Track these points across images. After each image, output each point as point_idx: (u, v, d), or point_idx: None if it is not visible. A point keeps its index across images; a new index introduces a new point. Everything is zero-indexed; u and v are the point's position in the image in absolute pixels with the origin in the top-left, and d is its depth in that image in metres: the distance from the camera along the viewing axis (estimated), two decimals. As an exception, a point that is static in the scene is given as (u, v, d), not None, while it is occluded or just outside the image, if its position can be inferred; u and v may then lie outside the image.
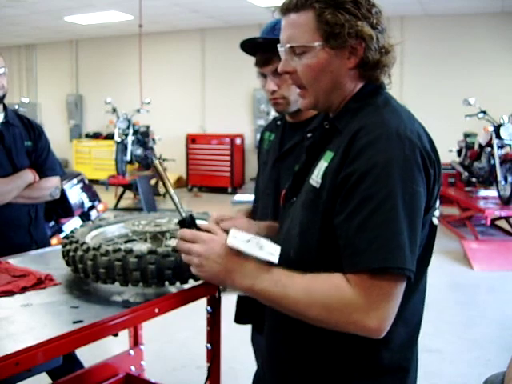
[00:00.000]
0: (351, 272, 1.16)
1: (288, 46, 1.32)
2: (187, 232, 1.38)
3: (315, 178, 1.31)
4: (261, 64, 2.01)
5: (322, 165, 1.30)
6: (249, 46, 2.01)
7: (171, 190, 1.46)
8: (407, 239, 1.14)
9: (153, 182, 10.08)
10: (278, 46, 1.37)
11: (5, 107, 2.75)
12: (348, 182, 1.19)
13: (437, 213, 1.33)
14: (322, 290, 1.18)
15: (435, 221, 1.33)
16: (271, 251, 1.26)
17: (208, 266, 1.31)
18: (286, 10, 1.32)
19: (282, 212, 1.52)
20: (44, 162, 2.81)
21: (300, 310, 1.20)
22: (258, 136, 2.50)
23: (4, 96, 2.69)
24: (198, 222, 1.45)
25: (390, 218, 1.14)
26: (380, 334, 1.17)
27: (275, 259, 1.25)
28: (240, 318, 2.22)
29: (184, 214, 1.43)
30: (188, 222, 1.42)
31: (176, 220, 2.28)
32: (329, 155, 1.30)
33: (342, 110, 1.35)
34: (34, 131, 2.82)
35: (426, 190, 1.22)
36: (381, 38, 1.30)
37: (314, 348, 1.34)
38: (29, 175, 2.72)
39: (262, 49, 1.98)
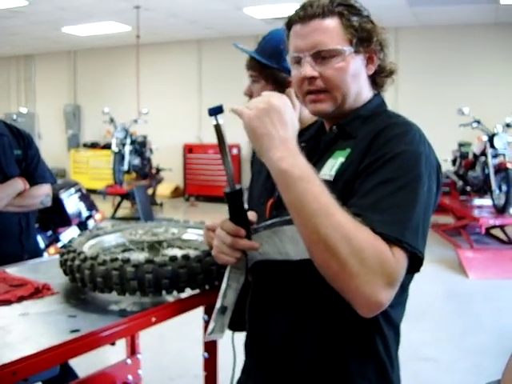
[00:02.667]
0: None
1: (315, 50, 1.31)
2: (227, 224, 1.28)
3: (327, 172, 1.28)
4: (246, 67, 2.03)
5: (337, 161, 1.29)
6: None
7: (228, 158, 1.32)
8: (421, 224, 1.16)
9: (150, 191, 10.08)
10: (298, 54, 1.34)
11: None
12: (373, 165, 1.20)
13: None
14: (360, 233, 1.08)
15: None
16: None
17: (265, 122, 1.18)
18: (310, 16, 1.32)
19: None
20: (34, 170, 2.81)
21: (337, 236, 1.06)
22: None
23: None
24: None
25: (409, 201, 1.15)
26: (379, 310, 1.11)
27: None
28: (235, 325, 2.22)
29: (235, 186, 1.29)
30: (235, 196, 1.28)
31: (173, 230, 2.29)
32: (341, 153, 1.30)
33: (352, 116, 1.37)
34: (24, 140, 2.81)
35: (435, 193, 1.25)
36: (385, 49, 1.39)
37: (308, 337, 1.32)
38: (19, 184, 2.72)
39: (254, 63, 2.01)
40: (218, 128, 1.28)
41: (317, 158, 1.35)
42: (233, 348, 1.45)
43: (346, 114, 1.37)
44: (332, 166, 1.29)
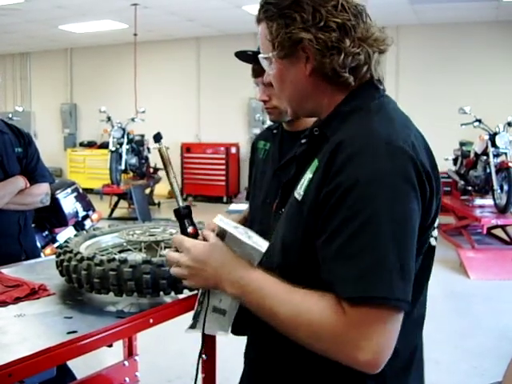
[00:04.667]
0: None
1: (260, 57, 1.31)
2: (177, 238, 1.30)
3: (299, 190, 1.22)
4: (253, 75, 2.08)
5: (307, 176, 1.21)
6: (243, 57, 2.03)
7: (172, 178, 1.39)
8: (395, 264, 1.02)
9: (147, 191, 10.06)
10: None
11: None
12: (330, 199, 1.08)
13: (435, 233, 1.22)
14: (311, 313, 1.07)
15: (433, 242, 1.22)
16: (259, 243, 1.20)
17: (196, 274, 1.23)
18: (256, 22, 1.31)
19: (272, 224, 1.42)
20: (34, 168, 2.82)
21: (289, 331, 1.12)
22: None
23: None
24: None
25: (371, 242, 1.03)
26: (375, 369, 1.05)
27: (262, 250, 1.18)
28: (237, 329, 2.19)
29: (181, 204, 1.35)
30: (183, 214, 1.33)
31: (171, 230, 2.27)
32: (314, 165, 1.19)
33: (331, 114, 1.25)
34: (24, 138, 2.83)
35: (420, 206, 1.09)
36: (331, 37, 1.17)
37: (298, 367, 1.25)
38: (20, 181, 2.72)
39: (254, 60, 2.01)
40: (161, 151, 1.40)
41: (303, 161, 1.31)
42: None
43: (326, 111, 1.27)
44: (303, 181, 1.21)
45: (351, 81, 1.20)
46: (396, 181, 1.06)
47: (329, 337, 1.05)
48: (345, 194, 1.06)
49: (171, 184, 1.38)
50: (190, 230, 1.33)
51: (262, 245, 1.19)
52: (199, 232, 1.32)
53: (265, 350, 1.35)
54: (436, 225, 1.21)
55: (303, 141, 1.37)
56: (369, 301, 1.01)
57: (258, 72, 2.02)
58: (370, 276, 1.02)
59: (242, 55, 2.02)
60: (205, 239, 1.27)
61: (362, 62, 1.19)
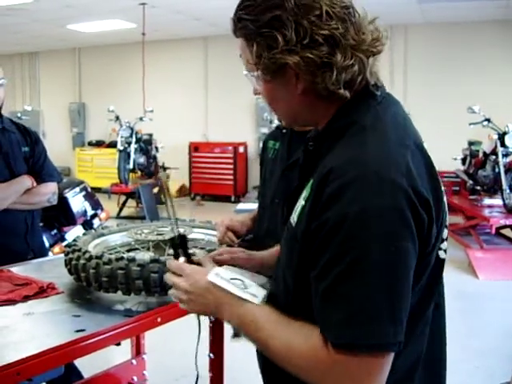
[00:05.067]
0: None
1: (244, 72, 1.22)
2: (172, 264, 1.29)
3: (293, 215, 1.16)
4: None
5: (301, 202, 1.14)
6: None
7: (172, 208, 1.43)
8: (385, 307, 0.96)
9: (155, 190, 10.06)
10: None
11: (0, 115, 2.75)
12: (320, 232, 1.02)
13: (444, 245, 1.16)
14: (300, 349, 1.05)
15: (442, 254, 1.15)
16: (255, 293, 1.18)
17: (195, 300, 1.23)
18: (232, 33, 1.20)
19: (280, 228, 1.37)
20: (41, 167, 2.81)
21: (279, 362, 1.11)
22: (261, 144, 2.51)
23: (1, 106, 2.70)
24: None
25: (361, 285, 0.96)
26: None
27: (257, 301, 1.16)
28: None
29: (176, 233, 1.35)
30: (178, 242, 1.34)
31: (179, 230, 2.27)
32: (308, 189, 1.12)
33: (324, 130, 1.17)
34: (31, 137, 2.82)
35: (416, 240, 1.01)
36: (320, 53, 1.07)
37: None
38: (26, 181, 2.72)
39: None
40: (163, 184, 1.32)
41: (300, 176, 1.25)
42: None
43: (321, 123, 1.20)
44: (297, 206, 1.15)
45: (347, 95, 1.11)
46: (387, 218, 0.98)
47: (318, 373, 1.03)
48: (333, 231, 0.99)
49: (169, 213, 1.41)
50: (182, 259, 1.33)
51: (258, 295, 1.18)
52: (194, 259, 1.34)
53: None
54: (445, 236, 1.16)
55: (310, 143, 1.29)
56: (355, 348, 0.97)
57: None
58: (358, 322, 0.97)
59: None
60: (199, 264, 1.28)
61: (356, 74, 1.10)
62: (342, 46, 1.08)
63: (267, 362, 1.22)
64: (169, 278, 1.28)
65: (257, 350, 1.33)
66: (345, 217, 0.98)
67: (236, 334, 1.36)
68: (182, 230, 1.43)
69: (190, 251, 1.35)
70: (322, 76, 1.08)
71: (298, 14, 1.06)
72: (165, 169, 10.42)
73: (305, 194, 1.13)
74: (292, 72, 1.11)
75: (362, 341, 0.96)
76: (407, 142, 1.10)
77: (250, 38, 1.13)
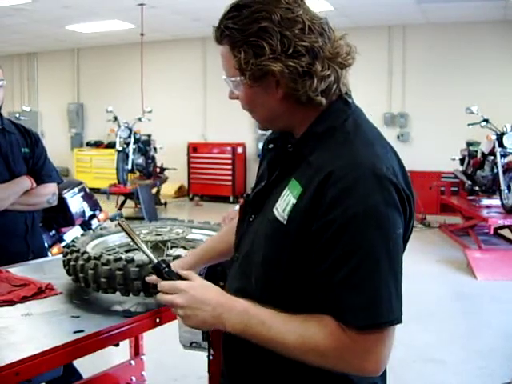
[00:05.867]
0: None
1: (223, 77, 1.30)
2: (164, 284, 1.29)
3: (281, 212, 1.22)
4: None
5: (289, 199, 1.21)
6: None
7: (141, 245, 1.41)
8: (393, 288, 1.12)
9: (154, 190, 10.07)
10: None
11: (0, 116, 2.75)
12: (326, 232, 1.13)
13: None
14: (316, 339, 1.14)
15: None
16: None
17: (193, 314, 1.23)
18: (216, 40, 1.30)
19: (238, 225, 1.44)
20: (41, 168, 2.80)
21: (297, 356, 1.17)
22: (260, 145, 2.51)
23: (0, 107, 2.70)
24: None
25: (374, 272, 1.11)
26: (378, 373, 1.17)
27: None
28: None
29: (155, 261, 1.35)
30: (160, 269, 1.32)
31: (178, 230, 2.27)
32: (295, 188, 1.21)
33: (305, 134, 1.26)
34: (31, 138, 2.81)
35: (404, 227, 1.18)
36: (302, 63, 1.16)
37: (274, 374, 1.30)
38: (26, 182, 2.71)
39: None
40: (122, 226, 1.42)
41: (277, 174, 1.31)
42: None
43: (298, 128, 1.28)
44: (286, 203, 1.22)
45: (323, 102, 1.22)
46: (387, 211, 1.12)
47: (336, 357, 1.15)
48: (343, 228, 1.11)
49: (142, 251, 1.39)
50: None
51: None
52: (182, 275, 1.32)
53: (240, 361, 1.38)
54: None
55: (270, 146, 1.38)
56: (375, 327, 1.11)
57: None
58: (375, 305, 1.10)
59: None
60: (186, 279, 1.29)
61: (332, 83, 1.21)
62: (320, 58, 1.18)
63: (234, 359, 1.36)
64: (162, 298, 1.29)
65: (228, 349, 1.41)
66: (353, 217, 1.10)
67: (204, 338, 1.39)
68: (176, 253, 1.43)
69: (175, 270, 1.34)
70: (302, 83, 1.18)
71: (283, 27, 1.16)
72: (162, 170, 10.42)
73: (292, 192, 1.21)
74: (273, 79, 1.20)
75: (384, 319, 1.11)
76: (385, 144, 1.24)
77: (236, 46, 1.21)
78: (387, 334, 1.13)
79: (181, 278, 1.30)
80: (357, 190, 1.11)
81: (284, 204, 1.22)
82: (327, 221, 1.12)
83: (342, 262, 1.11)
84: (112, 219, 1.54)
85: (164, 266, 1.32)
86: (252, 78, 1.20)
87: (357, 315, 1.11)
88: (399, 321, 1.13)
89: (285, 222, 1.20)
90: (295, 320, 1.17)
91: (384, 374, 1.31)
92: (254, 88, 1.23)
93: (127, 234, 1.41)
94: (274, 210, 1.24)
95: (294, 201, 1.20)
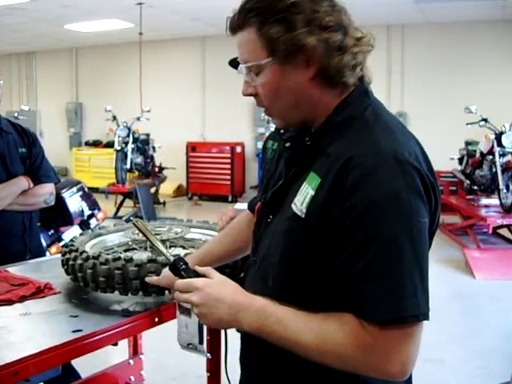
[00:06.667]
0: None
1: (243, 66, 1.23)
2: (180, 282, 1.26)
3: (299, 206, 1.18)
4: None
5: (307, 192, 1.17)
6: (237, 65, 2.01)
7: (157, 243, 1.41)
8: (418, 280, 1.05)
9: (153, 190, 10.06)
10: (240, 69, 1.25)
11: None
12: (345, 220, 1.08)
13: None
14: (335, 338, 1.09)
15: None
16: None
17: (209, 313, 1.19)
18: (232, 30, 1.23)
19: (255, 228, 1.41)
20: (38, 168, 2.80)
21: (314, 357, 1.12)
22: (259, 144, 2.52)
23: None
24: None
25: (396, 261, 1.05)
26: (404, 377, 1.09)
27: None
28: None
29: (172, 259, 1.33)
30: (178, 267, 1.31)
31: (176, 229, 2.27)
32: (314, 180, 1.17)
33: (323, 124, 1.22)
34: (28, 138, 2.80)
35: (429, 218, 1.11)
36: (336, 37, 1.15)
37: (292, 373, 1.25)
38: (23, 182, 2.71)
39: None
40: (137, 225, 1.44)
41: (295, 169, 1.27)
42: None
43: (317, 120, 1.24)
44: (304, 196, 1.18)
45: (351, 81, 1.19)
46: (410, 198, 1.07)
47: (357, 358, 1.08)
48: (362, 215, 1.06)
49: (157, 250, 1.38)
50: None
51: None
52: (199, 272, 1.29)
53: (260, 356, 1.32)
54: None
55: (287, 144, 1.32)
56: (398, 321, 1.04)
57: None
58: (398, 296, 1.04)
59: (234, 63, 2.00)
60: (205, 276, 1.25)
61: (359, 62, 1.19)
62: (349, 35, 1.17)
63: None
64: (178, 297, 1.26)
65: (246, 347, 1.37)
66: (373, 201, 1.06)
67: (200, 341, 1.39)
68: (174, 253, 1.40)
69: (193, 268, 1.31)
70: (334, 58, 1.16)
71: (313, 2, 1.15)
72: (161, 169, 10.41)
73: (311, 184, 1.17)
74: (304, 57, 1.16)
75: (408, 313, 1.03)
76: (406, 132, 1.20)
77: (266, 23, 1.16)
78: (412, 331, 1.06)
79: (198, 275, 1.27)
80: (377, 176, 1.07)
81: (302, 198, 1.19)
82: (346, 207, 1.08)
83: (361, 250, 1.06)
84: (127, 220, 1.56)
85: (181, 263, 1.30)
86: (284, 54, 1.16)
87: (378, 308, 1.04)
88: (426, 317, 1.06)
89: (303, 216, 1.16)
90: (314, 319, 1.12)
91: (409, 380, 1.24)
92: (284, 68, 1.18)
93: (142, 233, 1.41)
94: (293, 205, 1.20)
95: (312, 192, 1.16)
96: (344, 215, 1.08)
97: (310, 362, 1.14)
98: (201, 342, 1.41)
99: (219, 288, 1.21)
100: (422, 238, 1.08)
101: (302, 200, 1.18)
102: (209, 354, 2.19)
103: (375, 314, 1.04)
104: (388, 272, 1.04)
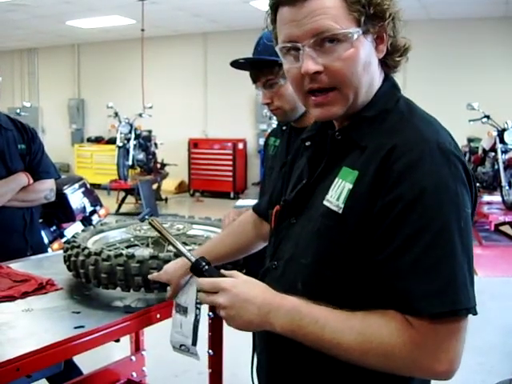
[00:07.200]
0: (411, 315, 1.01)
1: (317, 38, 1.08)
2: (204, 282, 1.17)
3: (334, 202, 1.12)
4: (252, 81, 2.05)
5: (344, 186, 1.12)
6: (238, 66, 2.02)
7: (176, 243, 1.34)
8: (467, 272, 1.01)
9: (155, 186, 10.06)
10: (294, 44, 1.12)
11: None
12: (391, 211, 1.03)
13: None
14: (380, 336, 1.02)
15: None
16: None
17: (237, 315, 1.11)
18: None
19: (273, 232, 1.33)
20: (38, 164, 2.79)
21: (355, 358, 1.05)
22: (261, 141, 2.51)
23: None
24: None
25: (448, 252, 1.00)
26: (449, 377, 1.03)
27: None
28: None
29: (193, 259, 1.25)
30: (200, 267, 1.23)
31: (178, 225, 2.27)
32: (349, 174, 1.12)
33: (355, 119, 1.17)
34: (28, 134, 2.80)
35: (471, 208, 1.08)
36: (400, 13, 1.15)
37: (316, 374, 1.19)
38: (23, 178, 2.71)
39: (251, 67, 2.01)
40: (153, 224, 1.39)
41: (324, 166, 1.21)
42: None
43: (354, 111, 1.17)
44: (340, 191, 1.12)
45: (398, 64, 1.21)
46: (456, 186, 1.04)
47: (404, 356, 1.02)
48: (411, 205, 1.02)
49: (178, 250, 1.33)
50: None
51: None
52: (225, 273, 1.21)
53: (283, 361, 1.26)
54: None
55: (308, 143, 1.29)
56: (453, 314, 1.00)
57: (253, 79, 2.02)
58: (452, 289, 0.99)
59: (236, 64, 2.01)
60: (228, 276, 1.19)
61: (400, 47, 1.20)
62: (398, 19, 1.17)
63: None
64: (203, 299, 1.18)
65: (265, 346, 1.30)
66: (423, 190, 1.01)
67: (193, 342, 1.38)
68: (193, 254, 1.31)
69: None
70: (399, 35, 1.17)
71: None
72: (162, 166, 10.41)
73: (346, 178, 1.12)
74: (383, 29, 1.14)
75: (462, 305, 0.99)
76: (440, 124, 1.19)
77: None
78: (460, 326, 1.01)
79: (222, 275, 1.19)
80: (424, 164, 1.03)
81: (337, 193, 1.13)
82: (392, 198, 1.03)
83: (411, 242, 1.01)
84: (142, 219, 1.52)
85: (204, 264, 1.22)
86: (373, 21, 1.11)
87: (431, 302, 0.98)
88: (475, 310, 1.01)
89: (340, 211, 1.10)
90: (353, 317, 1.05)
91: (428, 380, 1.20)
92: (367, 41, 1.11)
93: (159, 232, 1.36)
94: (325, 202, 1.14)
95: (350, 186, 1.10)
96: (389, 206, 1.04)
97: (343, 370, 1.10)
98: (194, 344, 1.38)
99: (247, 288, 1.14)
100: (467, 228, 1.04)
101: (337, 195, 1.13)
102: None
103: (427, 308, 0.99)
104: (441, 263, 1.00)
